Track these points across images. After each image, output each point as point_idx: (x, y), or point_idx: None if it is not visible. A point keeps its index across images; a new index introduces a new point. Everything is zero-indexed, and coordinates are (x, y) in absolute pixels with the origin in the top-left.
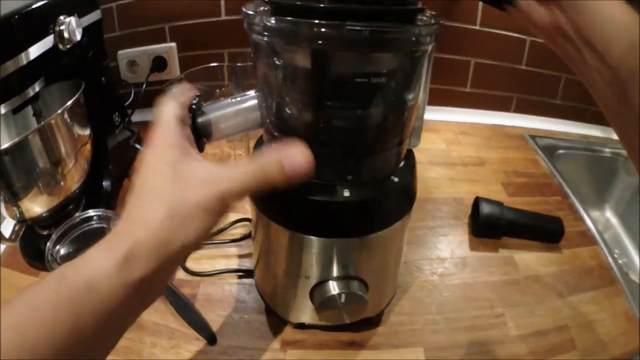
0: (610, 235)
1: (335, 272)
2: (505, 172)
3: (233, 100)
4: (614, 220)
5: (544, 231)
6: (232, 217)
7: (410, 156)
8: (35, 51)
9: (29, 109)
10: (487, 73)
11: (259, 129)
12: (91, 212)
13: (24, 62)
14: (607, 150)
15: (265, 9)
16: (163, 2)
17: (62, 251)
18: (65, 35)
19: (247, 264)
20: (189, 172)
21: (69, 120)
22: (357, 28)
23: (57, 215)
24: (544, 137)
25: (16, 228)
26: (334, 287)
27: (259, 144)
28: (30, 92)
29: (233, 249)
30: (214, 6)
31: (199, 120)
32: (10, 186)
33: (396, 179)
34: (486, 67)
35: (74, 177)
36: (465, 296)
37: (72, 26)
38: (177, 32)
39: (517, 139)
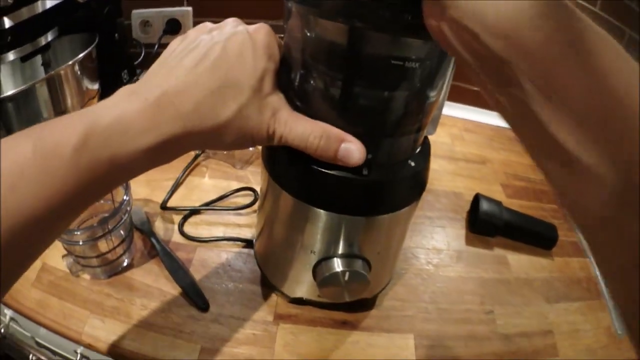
0: None
1: (341, 249)
2: (505, 173)
3: None
4: None
5: (539, 236)
6: (235, 185)
7: (426, 143)
8: (51, 1)
9: (38, 58)
10: None
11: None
12: None
13: (40, 9)
14: None
15: None
16: None
17: None
18: None
19: (246, 233)
20: (270, 87)
21: (79, 72)
22: (397, 10)
23: None
24: None
25: None
26: (338, 265)
27: None
28: (42, 41)
29: (232, 217)
30: None
31: None
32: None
33: (412, 164)
34: None
35: None
36: (458, 289)
37: None
38: None
39: (519, 143)
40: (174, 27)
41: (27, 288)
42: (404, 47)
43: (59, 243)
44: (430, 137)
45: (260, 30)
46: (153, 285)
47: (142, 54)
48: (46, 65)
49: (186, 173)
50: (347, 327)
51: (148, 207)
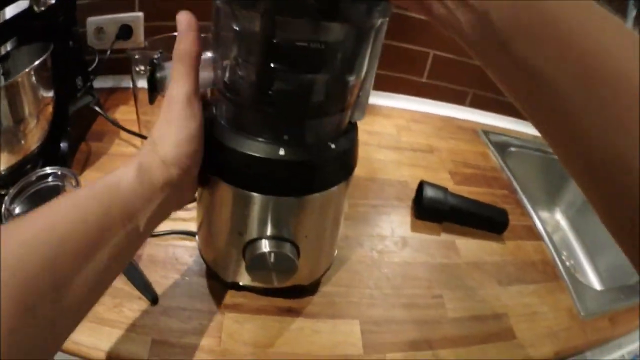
0: (559, 238)
1: (268, 231)
2: (453, 161)
3: None
4: (563, 223)
5: (488, 220)
6: None
7: (352, 129)
8: (10, 11)
9: None
10: (445, 66)
11: (210, 87)
12: (47, 170)
13: None
14: None
15: None
16: None
17: (18, 209)
18: None
19: (192, 227)
20: (193, 122)
21: (35, 80)
22: None
23: (15, 174)
24: (497, 134)
25: None
26: (265, 245)
27: (206, 104)
28: (2, 51)
29: (180, 213)
30: None
31: (158, 74)
32: None
33: (333, 146)
34: (445, 60)
35: (34, 137)
36: (403, 274)
37: None
38: (146, 1)
39: (469, 132)
40: (126, 33)
41: None
42: (311, 30)
43: None
44: (375, 129)
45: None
46: None
47: (96, 60)
48: (6, 74)
49: None
50: (291, 314)
51: None
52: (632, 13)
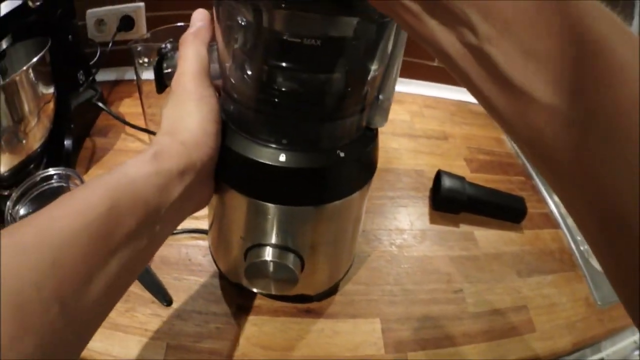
0: (573, 222)
1: (270, 239)
2: (468, 148)
3: None
4: None
5: (506, 209)
6: None
7: (370, 136)
8: (4, 7)
9: None
10: None
11: (217, 80)
12: (51, 171)
13: None
14: None
15: None
16: None
17: (22, 211)
18: None
19: (204, 225)
20: (209, 102)
21: (33, 78)
22: None
23: (19, 175)
24: None
25: None
26: (266, 254)
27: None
28: None
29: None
30: None
31: (165, 64)
32: None
33: (342, 154)
34: None
35: (36, 136)
36: (423, 269)
37: None
38: None
39: (482, 116)
40: (127, 24)
41: None
42: (310, 25)
43: None
44: (389, 115)
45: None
46: None
47: (98, 53)
48: (3, 72)
49: None
50: (311, 315)
51: None
52: (638, 17)
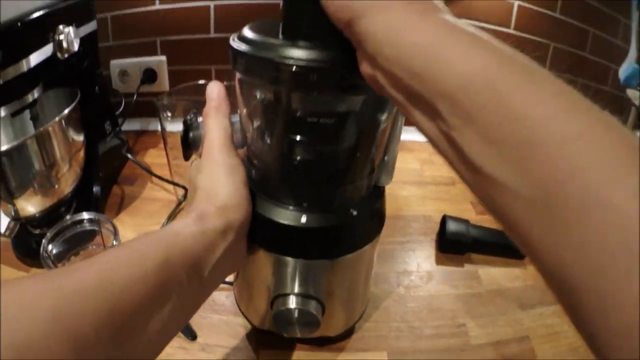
0: None
1: (294, 288)
2: None
3: None
4: None
5: (509, 248)
6: None
7: (377, 194)
8: (35, 59)
9: (27, 111)
10: None
11: (240, 148)
12: (84, 215)
13: (25, 69)
14: None
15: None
16: (155, 15)
17: (55, 250)
18: (64, 44)
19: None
20: (238, 170)
21: (65, 126)
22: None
23: (49, 217)
24: None
25: (11, 225)
26: (291, 302)
27: None
28: (30, 98)
29: None
30: (204, 23)
31: (191, 134)
32: (7, 185)
33: (355, 212)
34: None
35: (67, 181)
36: (429, 307)
37: (70, 36)
38: (168, 45)
39: None
40: (150, 77)
41: None
42: (321, 105)
43: None
44: (399, 165)
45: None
46: None
47: (122, 104)
48: (34, 118)
49: (170, 219)
50: (324, 349)
51: None
52: (636, 16)
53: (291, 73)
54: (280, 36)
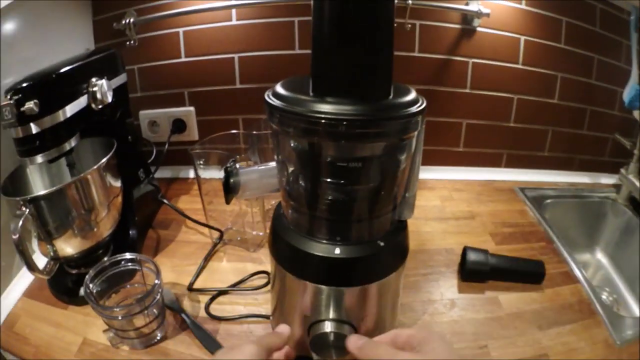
0: (602, 276)
1: (329, 314)
2: (493, 223)
3: (259, 167)
4: (604, 261)
5: (526, 274)
6: (250, 266)
7: (401, 227)
8: (71, 109)
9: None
10: (478, 132)
11: (276, 192)
12: (127, 255)
13: (61, 118)
14: (595, 195)
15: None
16: (182, 68)
17: (95, 289)
18: (98, 96)
19: (261, 310)
20: None
21: (103, 173)
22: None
23: (87, 258)
24: (533, 188)
25: (49, 265)
26: (327, 326)
27: (279, 207)
28: (67, 147)
29: (249, 297)
30: (230, 73)
31: (232, 180)
32: (46, 227)
33: (382, 244)
34: (477, 127)
35: (106, 225)
36: (452, 331)
37: (104, 88)
38: (195, 96)
39: (506, 192)
40: (180, 127)
41: None
42: (348, 151)
43: (99, 320)
44: (421, 203)
45: None
46: (186, 352)
47: (154, 152)
48: (70, 166)
49: (207, 259)
50: None
51: (175, 289)
52: (634, 37)
53: (322, 125)
54: (311, 92)
